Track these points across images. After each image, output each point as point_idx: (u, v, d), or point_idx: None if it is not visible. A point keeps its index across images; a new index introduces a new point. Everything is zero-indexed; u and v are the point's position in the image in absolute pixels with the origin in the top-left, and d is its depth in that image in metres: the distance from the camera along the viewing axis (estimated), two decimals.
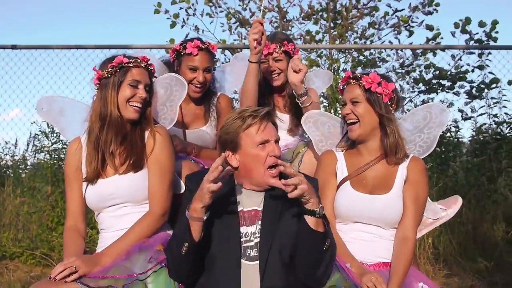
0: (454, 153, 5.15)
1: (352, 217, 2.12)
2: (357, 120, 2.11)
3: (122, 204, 2.06)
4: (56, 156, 4.86)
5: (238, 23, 6.35)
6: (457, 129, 5.14)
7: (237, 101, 3.07)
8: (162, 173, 2.07)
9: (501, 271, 3.88)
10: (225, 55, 6.11)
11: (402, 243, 2.06)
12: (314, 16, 6.23)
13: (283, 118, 2.76)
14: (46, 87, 5.46)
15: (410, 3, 5.97)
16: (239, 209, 1.94)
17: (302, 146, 2.60)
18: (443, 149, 4.92)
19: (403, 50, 6.03)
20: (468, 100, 5.41)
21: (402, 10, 6.04)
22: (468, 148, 5.32)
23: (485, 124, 5.06)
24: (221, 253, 1.88)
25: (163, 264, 1.87)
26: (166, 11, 6.08)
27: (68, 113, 2.41)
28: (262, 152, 1.90)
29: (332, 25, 6.12)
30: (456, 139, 5.11)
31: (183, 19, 6.17)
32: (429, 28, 5.85)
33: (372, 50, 6.11)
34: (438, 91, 5.68)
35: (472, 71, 5.48)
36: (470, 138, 5.24)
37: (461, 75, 5.52)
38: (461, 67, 5.58)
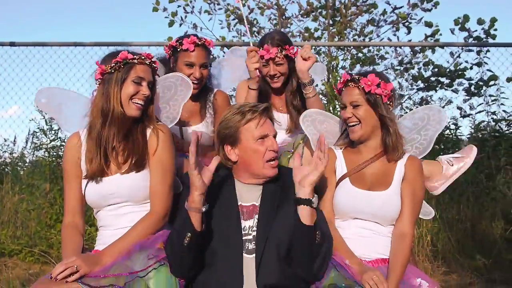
0: (452, 151, 5.15)
1: (351, 213, 2.13)
2: (358, 122, 2.13)
3: (122, 203, 2.04)
4: (54, 154, 4.85)
5: (236, 20, 6.34)
6: (455, 127, 5.15)
7: (234, 97, 3.06)
8: (164, 173, 2.05)
9: (499, 268, 3.89)
10: (224, 52, 6.11)
11: (399, 239, 2.07)
12: (313, 13, 6.23)
13: (281, 120, 2.75)
14: (44, 85, 5.47)
15: (409, 0, 5.97)
16: (238, 203, 1.97)
17: (300, 138, 2.60)
18: (442, 147, 4.92)
19: (402, 47, 6.03)
20: (467, 98, 5.41)
21: (401, 7, 6.04)
22: (466, 145, 5.31)
23: (483, 121, 5.06)
24: (223, 247, 1.89)
25: (163, 262, 1.85)
26: (165, 9, 6.08)
27: (67, 105, 2.37)
28: (261, 146, 1.95)
29: (331, 22, 6.12)
30: (455, 137, 5.12)
31: (181, 17, 6.17)
32: (428, 24, 5.84)
33: (370, 48, 6.11)
34: (437, 88, 5.68)
35: (471, 68, 5.49)
36: (468, 136, 5.24)
37: (459, 73, 5.52)
38: (460, 64, 5.59)
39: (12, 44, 5.40)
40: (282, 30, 6.28)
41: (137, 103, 2.03)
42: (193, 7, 6.18)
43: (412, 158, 2.18)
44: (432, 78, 5.68)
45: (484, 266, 3.90)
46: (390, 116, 2.12)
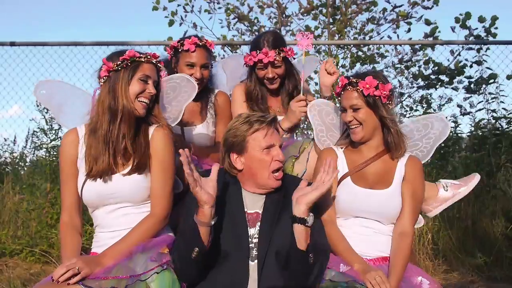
0: (453, 149, 5.15)
1: (352, 212, 2.14)
2: (359, 124, 2.14)
3: (120, 203, 2.01)
4: (55, 153, 4.85)
5: (236, 19, 6.33)
6: (456, 125, 5.15)
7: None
8: (165, 175, 2.04)
9: (500, 266, 3.90)
10: (224, 51, 6.11)
11: (400, 238, 2.08)
12: (313, 12, 6.22)
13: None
14: None
15: None
16: (245, 210, 2.00)
17: (307, 142, 2.59)
18: (442, 145, 4.91)
19: (402, 45, 6.02)
20: (467, 96, 5.40)
21: (401, 6, 6.03)
22: (467, 143, 5.31)
23: (483, 119, 5.06)
24: (229, 253, 1.91)
25: (165, 267, 1.84)
26: (165, 8, 6.07)
27: (67, 99, 2.35)
28: (267, 156, 1.98)
29: (331, 20, 6.11)
30: (455, 135, 5.12)
31: (181, 17, 6.16)
32: (428, 22, 5.83)
33: (370, 46, 6.10)
34: (437, 86, 5.68)
35: (471, 66, 5.48)
36: (469, 134, 5.23)
37: (459, 70, 5.51)
38: (460, 62, 5.58)
39: (12, 44, 5.40)
40: (282, 28, 6.29)
41: (143, 102, 2.02)
42: (193, 6, 6.17)
43: (413, 158, 2.20)
44: (432, 76, 5.68)
45: (485, 264, 3.90)
46: (391, 116, 2.13)
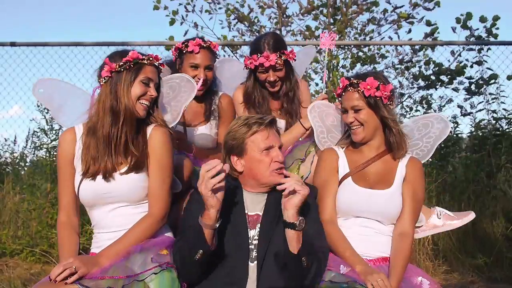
0: (453, 149, 5.15)
1: (353, 212, 2.14)
2: (360, 125, 2.15)
3: (118, 203, 2.00)
4: (55, 153, 4.84)
5: (236, 19, 6.33)
6: (456, 125, 5.15)
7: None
8: (163, 175, 2.03)
9: (500, 266, 3.90)
10: (224, 51, 6.11)
11: (400, 238, 2.09)
12: (314, 12, 6.22)
13: (280, 125, 2.74)
14: None
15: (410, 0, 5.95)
16: (245, 212, 2.01)
17: (312, 146, 2.58)
18: (442, 145, 4.92)
19: (403, 46, 6.01)
20: (467, 96, 5.40)
21: (402, 6, 6.02)
22: (467, 144, 5.31)
23: (484, 120, 5.06)
24: (230, 254, 1.92)
25: (165, 268, 1.83)
26: (166, 7, 6.06)
27: (66, 99, 2.34)
28: (266, 157, 1.99)
29: (331, 21, 6.11)
30: (455, 135, 5.12)
31: (182, 16, 6.15)
32: (429, 23, 5.82)
33: (371, 46, 6.09)
34: (437, 87, 5.67)
35: (471, 66, 5.47)
36: (469, 134, 5.24)
37: (460, 70, 5.51)
38: (461, 63, 5.57)
39: (12, 44, 5.40)
40: (282, 28, 6.28)
41: (144, 104, 2.02)
42: (194, 5, 6.17)
43: (413, 159, 2.21)
44: (433, 77, 5.67)
45: (485, 265, 3.90)
46: (392, 117, 2.14)
